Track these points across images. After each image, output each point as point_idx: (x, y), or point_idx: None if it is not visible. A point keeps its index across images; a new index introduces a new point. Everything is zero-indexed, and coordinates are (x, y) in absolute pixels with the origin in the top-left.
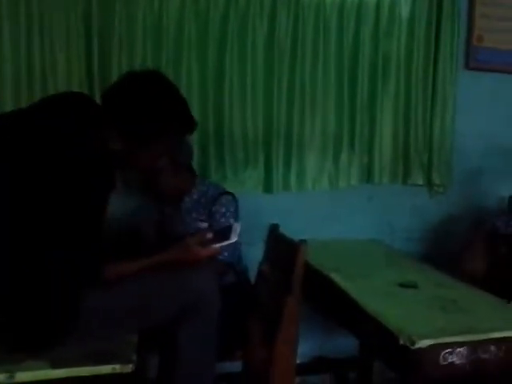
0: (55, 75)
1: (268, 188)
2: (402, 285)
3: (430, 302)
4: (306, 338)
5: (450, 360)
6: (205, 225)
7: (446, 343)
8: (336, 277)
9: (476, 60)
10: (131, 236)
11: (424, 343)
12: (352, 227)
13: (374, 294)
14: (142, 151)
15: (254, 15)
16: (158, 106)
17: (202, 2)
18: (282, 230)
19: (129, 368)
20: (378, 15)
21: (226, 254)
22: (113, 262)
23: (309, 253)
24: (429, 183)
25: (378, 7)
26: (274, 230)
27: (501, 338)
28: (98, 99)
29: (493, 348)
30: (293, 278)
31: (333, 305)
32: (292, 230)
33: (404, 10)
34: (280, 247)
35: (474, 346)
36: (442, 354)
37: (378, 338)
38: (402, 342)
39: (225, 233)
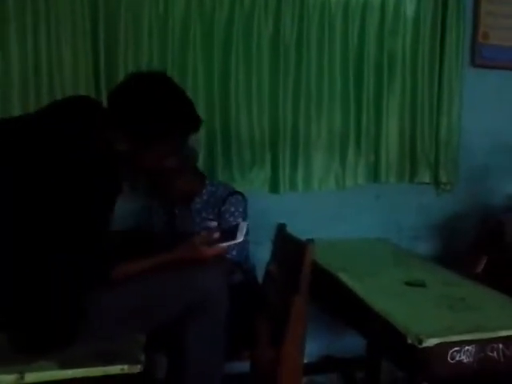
0: (62, 73)
1: (275, 188)
2: (409, 283)
3: (437, 300)
4: (313, 337)
5: (457, 358)
6: (214, 223)
7: (454, 342)
8: (343, 276)
9: (482, 57)
10: (143, 237)
11: (432, 342)
12: (359, 226)
13: (381, 293)
14: (147, 152)
15: (259, 16)
16: (163, 106)
17: (207, 2)
18: (289, 230)
19: (137, 368)
20: (383, 14)
21: (234, 252)
22: (119, 262)
23: (316, 252)
24: (436, 181)
25: (382, 6)
26: (281, 229)
27: (509, 336)
28: (104, 98)
29: (501, 346)
30: (300, 277)
31: (340, 304)
32: (299, 230)
33: (409, 8)
34: (287, 247)
35: (481, 344)
36: (450, 352)
37: (385, 337)
38: (409, 340)
39: (231, 232)
